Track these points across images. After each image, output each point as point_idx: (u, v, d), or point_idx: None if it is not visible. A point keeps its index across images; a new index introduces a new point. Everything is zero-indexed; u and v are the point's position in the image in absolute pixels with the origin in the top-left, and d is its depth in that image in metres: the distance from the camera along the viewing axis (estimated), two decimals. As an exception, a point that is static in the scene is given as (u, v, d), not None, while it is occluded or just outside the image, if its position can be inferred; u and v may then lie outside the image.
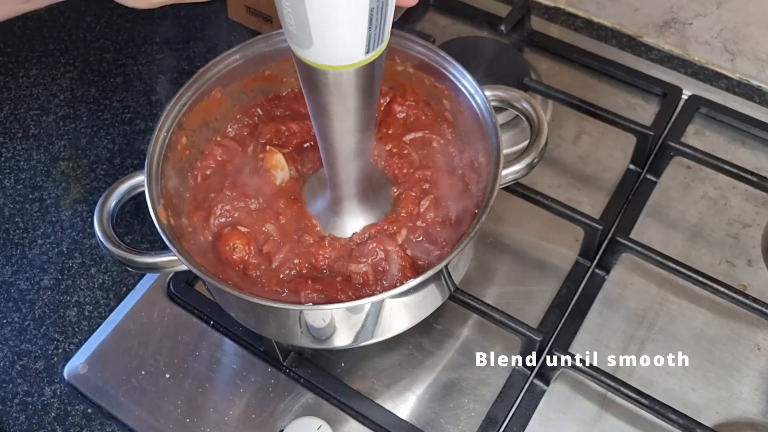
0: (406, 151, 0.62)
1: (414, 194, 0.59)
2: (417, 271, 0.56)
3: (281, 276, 0.56)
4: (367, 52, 0.41)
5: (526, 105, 0.59)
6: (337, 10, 0.38)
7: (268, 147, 0.62)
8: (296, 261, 0.57)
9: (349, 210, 0.57)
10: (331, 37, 0.39)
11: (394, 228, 0.58)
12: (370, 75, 0.44)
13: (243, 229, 0.57)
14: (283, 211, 0.59)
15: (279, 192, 0.60)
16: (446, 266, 0.51)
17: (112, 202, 0.55)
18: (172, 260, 0.52)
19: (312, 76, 0.44)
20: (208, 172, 0.62)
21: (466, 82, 0.59)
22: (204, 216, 0.59)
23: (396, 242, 0.56)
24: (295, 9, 0.38)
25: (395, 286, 0.50)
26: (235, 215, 0.59)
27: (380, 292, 0.50)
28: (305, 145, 0.64)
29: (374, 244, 0.56)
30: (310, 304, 0.53)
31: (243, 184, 0.60)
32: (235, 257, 0.56)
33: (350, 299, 0.53)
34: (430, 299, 0.57)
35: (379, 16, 0.39)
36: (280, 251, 0.57)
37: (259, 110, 0.65)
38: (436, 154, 0.63)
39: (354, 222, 0.58)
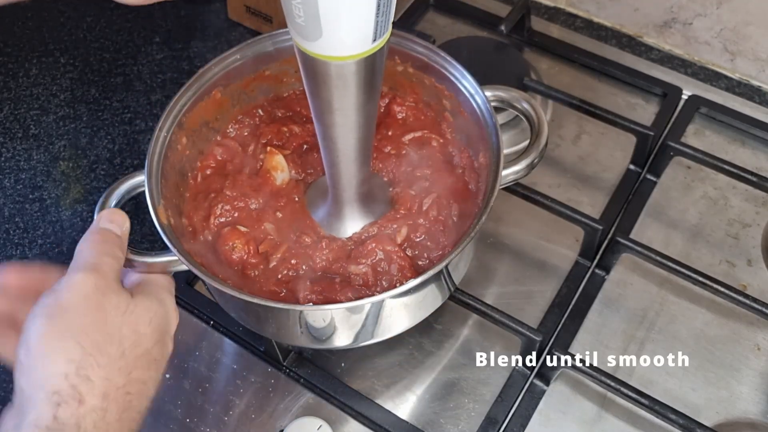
0: (404, 151, 0.62)
1: (413, 192, 0.59)
2: (417, 271, 0.56)
3: (279, 276, 0.56)
4: (374, 40, 0.41)
5: (526, 105, 0.59)
6: None
7: (268, 148, 0.62)
8: (294, 261, 0.56)
9: (350, 214, 0.57)
10: (340, 25, 0.39)
11: (394, 226, 0.58)
12: (375, 66, 0.44)
13: (242, 229, 0.57)
14: (282, 210, 0.59)
15: (279, 192, 0.60)
16: (446, 266, 0.51)
17: (112, 201, 0.55)
18: (173, 260, 0.52)
19: (318, 70, 0.43)
20: (208, 172, 0.62)
21: (466, 82, 0.59)
22: (204, 216, 0.59)
23: (395, 242, 0.56)
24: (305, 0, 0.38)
25: (395, 287, 0.50)
26: (235, 215, 0.59)
27: (380, 293, 0.50)
28: (305, 147, 0.64)
29: (373, 245, 0.56)
30: (311, 304, 0.53)
31: (243, 185, 0.60)
32: (234, 257, 0.56)
33: (349, 300, 0.53)
34: (431, 299, 0.57)
35: (386, 1, 0.39)
36: (278, 251, 0.57)
37: (260, 111, 0.65)
38: (435, 154, 0.63)
39: (355, 225, 0.58)
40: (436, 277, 0.52)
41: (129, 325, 0.44)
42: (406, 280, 0.50)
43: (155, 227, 0.52)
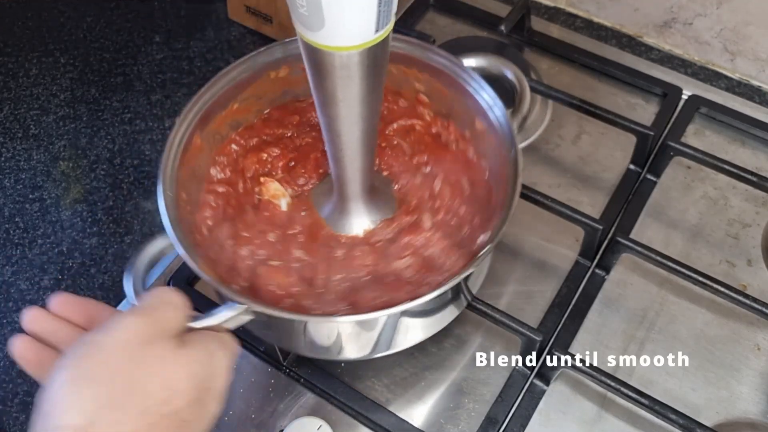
0: (395, 142, 0.63)
1: (418, 181, 0.60)
2: (458, 247, 0.57)
3: (331, 297, 0.55)
4: (377, 30, 0.41)
5: (506, 71, 0.59)
6: None
7: (261, 179, 0.61)
8: (338, 276, 0.56)
9: (356, 210, 0.57)
10: (343, 15, 0.40)
11: (414, 218, 0.58)
12: (378, 56, 0.44)
13: (276, 264, 0.56)
14: (302, 234, 0.58)
15: (290, 217, 0.60)
16: (465, 280, 0.51)
17: (140, 275, 0.51)
18: (233, 315, 0.48)
19: (321, 61, 0.43)
20: (210, 223, 0.59)
21: (440, 57, 0.59)
22: (229, 265, 0.56)
23: (424, 228, 0.57)
24: None
25: (445, 267, 0.52)
26: (261, 253, 0.57)
27: (440, 277, 0.53)
28: (292, 164, 0.63)
29: (407, 238, 0.56)
30: (379, 310, 0.49)
31: (254, 222, 0.58)
32: (280, 293, 0.54)
33: (414, 295, 0.52)
34: (449, 311, 0.58)
35: None
36: (318, 272, 0.56)
37: (233, 146, 0.63)
38: (423, 137, 0.63)
39: (362, 222, 0.58)
40: (455, 289, 0.52)
41: (162, 380, 0.40)
42: (454, 257, 0.53)
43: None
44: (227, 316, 0.48)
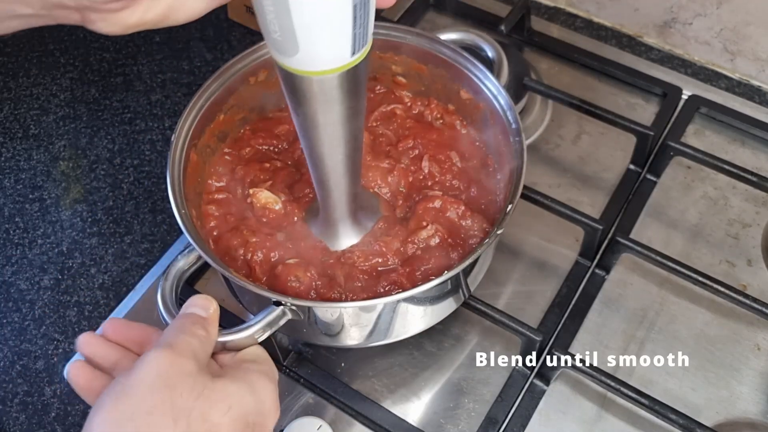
0: (380, 132, 0.63)
1: (403, 165, 0.61)
2: (471, 207, 0.58)
3: (360, 284, 0.55)
4: (353, 53, 0.41)
5: (485, 45, 0.61)
6: (322, 8, 0.37)
7: (251, 190, 0.60)
8: (365, 266, 0.56)
9: (344, 230, 0.57)
10: (316, 39, 0.39)
11: (420, 192, 0.60)
12: (356, 79, 0.43)
13: (292, 261, 0.56)
14: (307, 230, 0.58)
15: (289, 216, 0.59)
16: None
17: (168, 285, 0.52)
18: (274, 317, 0.50)
19: (298, 86, 0.43)
20: (215, 234, 0.59)
21: (415, 36, 0.61)
22: (246, 272, 0.57)
23: (437, 194, 0.58)
24: (279, 14, 0.38)
25: (469, 232, 0.54)
26: (274, 253, 0.57)
27: (464, 236, 0.56)
28: (295, 176, 0.63)
29: (424, 206, 0.58)
30: (425, 282, 0.50)
31: (258, 227, 0.58)
32: (301, 288, 0.54)
33: (454, 259, 0.55)
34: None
35: (362, 13, 0.39)
36: (336, 265, 0.56)
37: (227, 157, 0.64)
38: (405, 120, 0.64)
39: (350, 241, 0.57)
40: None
41: (200, 412, 0.39)
42: (468, 218, 0.55)
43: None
44: (266, 321, 0.49)
